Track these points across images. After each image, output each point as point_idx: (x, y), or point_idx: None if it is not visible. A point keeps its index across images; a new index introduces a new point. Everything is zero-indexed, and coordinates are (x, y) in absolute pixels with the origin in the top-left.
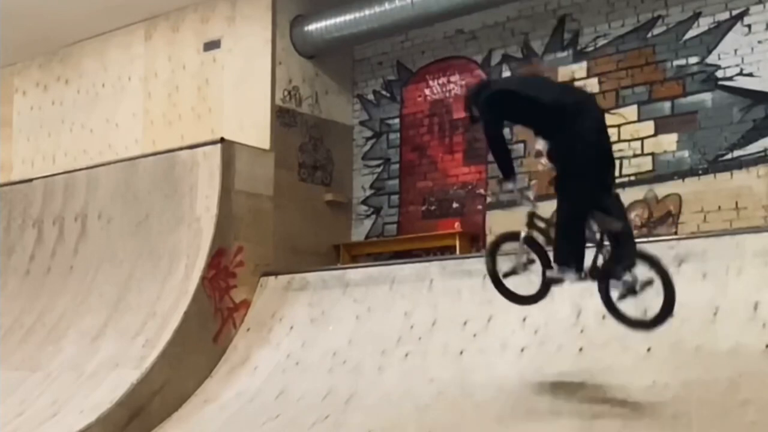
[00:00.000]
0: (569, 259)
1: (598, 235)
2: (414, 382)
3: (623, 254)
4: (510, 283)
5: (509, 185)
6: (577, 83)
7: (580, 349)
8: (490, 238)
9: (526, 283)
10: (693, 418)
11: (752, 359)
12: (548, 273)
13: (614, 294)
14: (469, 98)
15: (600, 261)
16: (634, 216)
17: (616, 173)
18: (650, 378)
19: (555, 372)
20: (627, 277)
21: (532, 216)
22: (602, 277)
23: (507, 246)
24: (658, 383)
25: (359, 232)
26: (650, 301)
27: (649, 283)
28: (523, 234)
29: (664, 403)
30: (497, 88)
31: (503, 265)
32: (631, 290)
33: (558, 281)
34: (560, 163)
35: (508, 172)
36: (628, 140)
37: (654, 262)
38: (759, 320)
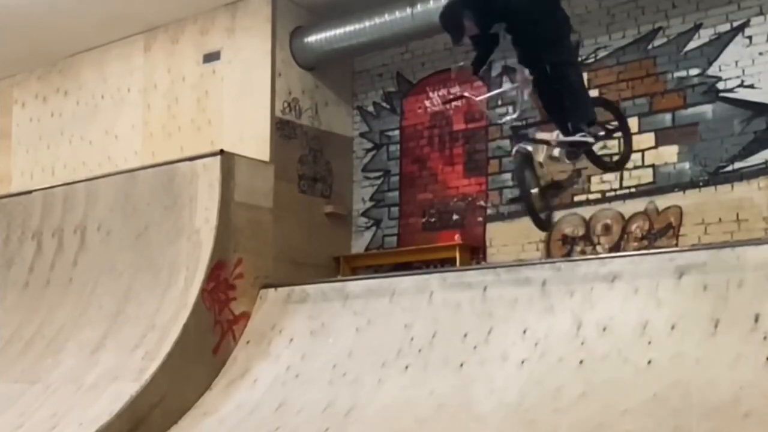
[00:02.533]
0: (594, 116)
1: None
2: (414, 394)
3: None
4: None
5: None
6: None
7: (581, 362)
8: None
9: None
10: (694, 431)
11: (753, 372)
12: (576, 138)
13: None
14: (453, 14)
15: None
16: (635, 228)
17: (618, 185)
18: (651, 390)
19: (555, 384)
20: None
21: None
22: None
23: None
24: (659, 396)
25: (359, 244)
26: None
27: None
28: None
29: (665, 415)
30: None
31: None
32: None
33: (585, 143)
34: (561, 28)
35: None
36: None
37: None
38: (760, 332)
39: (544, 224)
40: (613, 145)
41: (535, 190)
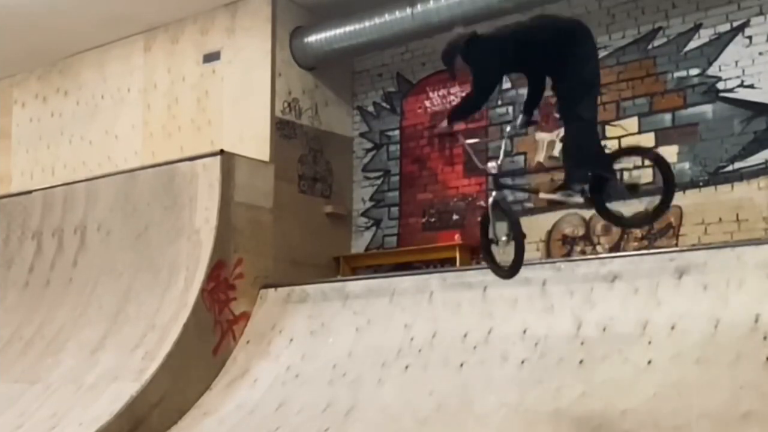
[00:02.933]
0: (584, 177)
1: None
2: (414, 394)
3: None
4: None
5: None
6: None
7: (581, 362)
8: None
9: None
10: (694, 431)
11: (753, 371)
12: (555, 196)
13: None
14: (453, 50)
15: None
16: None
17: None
18: (651, 390)
19: (555, 384)
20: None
21: (497, 178)
22: (595, 188)
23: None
24: (659, 395)
25: (359, 244)
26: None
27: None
28: (491, 200)
29: (665, 415)
30: (495, 38)
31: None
32: (635, 188)
33: (563, 202)
34: (571, 88)
35: (462, 117)
36: None
37: (644, 151)
38: (760, 332)
39: (506, 274)
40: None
41: (504, 238)
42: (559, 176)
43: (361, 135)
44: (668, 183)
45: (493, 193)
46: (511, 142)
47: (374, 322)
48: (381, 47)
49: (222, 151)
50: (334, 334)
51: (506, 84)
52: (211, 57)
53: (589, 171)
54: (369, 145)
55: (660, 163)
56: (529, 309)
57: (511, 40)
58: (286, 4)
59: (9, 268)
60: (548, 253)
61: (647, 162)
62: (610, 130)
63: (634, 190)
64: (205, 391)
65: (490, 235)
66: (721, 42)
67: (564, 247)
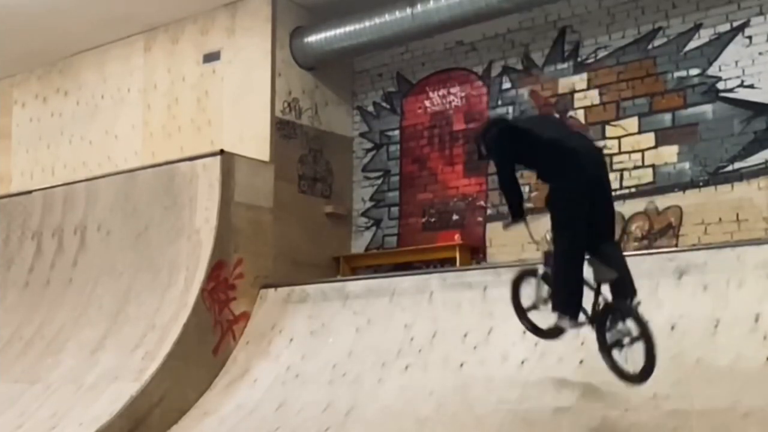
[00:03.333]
0: (565, 306)
1: (595, 284)
2: (414, 394)
3: (617, 304)
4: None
5: (517, 227)
6: (577, 95)
7: (581, 362)
8: (512, 276)
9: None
10: (694, 431)
11: (753, 372)
12: (556, 322)
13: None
14: (478, 135)
15: (600, 307)
16: (635, 228)
17: (617, 185)
18: (651, 390)
19: (555, 384)
20: (620, 326)
21: (547, 255)
22: (598, 324)
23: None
24: (659, 396)
25: (359, 244)
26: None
27: (637, 338)
28: (540, 271)
29: (665, 415)
30: (505, 126)
31: (525, 300)
32: (618, 342)
33: (559, 331)
34: (555, 209)
35: (516, 213)
36: (629, 152)
37: (639, 321)
38: (760, 332)
39: (547, 335)
40: None
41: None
42: None
43: (361, 135)
44: (649, 353)
45: (542, 267)
46: None
47: (374, 322)
48: (381, 47)
49: (222, 151)
50: (334, 334)
51: (506, 83)
52: (211, 57)
53: (565, 302)
54: (369, 145)
55: (644, 334)
56: None
57: (515, 141)
58: (286, 4)
59: (9, 268)
60: None
61: (645, 164)
62: (610, 131)
63: (618, 346)
64: (205, 391)
65: (534, 302)
66: (721, 42)
67: None
